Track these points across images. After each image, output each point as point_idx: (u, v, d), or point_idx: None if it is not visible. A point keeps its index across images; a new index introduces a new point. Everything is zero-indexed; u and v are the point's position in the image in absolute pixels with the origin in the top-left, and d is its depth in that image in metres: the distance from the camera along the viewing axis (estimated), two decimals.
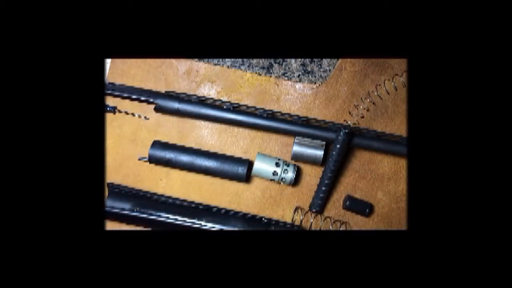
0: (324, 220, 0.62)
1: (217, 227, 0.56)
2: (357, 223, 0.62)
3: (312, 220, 0.61)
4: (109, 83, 0.60)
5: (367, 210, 0.62)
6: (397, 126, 0.63)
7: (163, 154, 0.58)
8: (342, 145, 0.57)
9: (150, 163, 0.59)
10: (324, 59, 0.63)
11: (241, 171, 0.59)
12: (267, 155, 0.61)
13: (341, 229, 0.61)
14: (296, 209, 0.62)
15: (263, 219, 0.59)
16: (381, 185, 0.63)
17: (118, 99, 0.61)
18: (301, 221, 0.61)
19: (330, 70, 0.63)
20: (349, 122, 0.61)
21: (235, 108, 0.59)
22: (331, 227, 0.62)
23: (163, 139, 0.62)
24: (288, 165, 0.60)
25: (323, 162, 0.60)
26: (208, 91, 0.63)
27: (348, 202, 0.62)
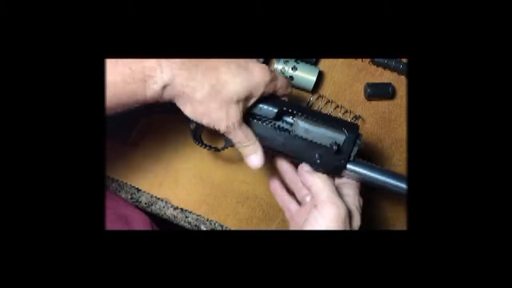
0: (336, 109, 0.60)
1: None
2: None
3: (321, 105, 0.60)
4: None
5: (390, 89, 0.60)
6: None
7: None
8: None
9: None
10: None
11: None
12: None
13: (355, 121, 0.60)
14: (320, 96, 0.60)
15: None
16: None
17: None
18: (318, 107, 0.60)
19: None
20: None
21: None
22: (339, 116, 0.59)
23: None
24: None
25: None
26: None
27: (369, 89, 0.60)
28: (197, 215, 0.62)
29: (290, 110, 0.46)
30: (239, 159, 0.63)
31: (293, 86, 0.60)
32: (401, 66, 0.60)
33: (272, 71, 0.45)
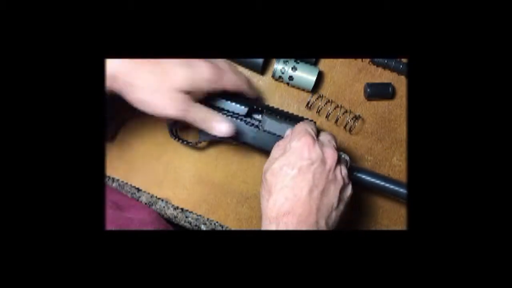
0: (336, 109, 0.60)
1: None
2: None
3: (321, 105, 0.60)
4: None
5: (390, 89, 0.60)
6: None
7: None
8: None
9: None
10: None
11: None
12: None
13: (354, 123, 0.60)
14: (320, 96, 0.60)
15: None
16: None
17: None
18: (318, 107, 0.60)
19: None
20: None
21: None
22: (339, 115, 0.60)
23: None
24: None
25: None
26: None
27: (369, 89, 0.60)
28: (197, 215, 0.62)
29: (259, 109, 0.53)
30: (239, 159, 0.63)
31: (293, 86, 0.60)
32: (401, 66, 0.60)
33: (222, 69, 0.47)
